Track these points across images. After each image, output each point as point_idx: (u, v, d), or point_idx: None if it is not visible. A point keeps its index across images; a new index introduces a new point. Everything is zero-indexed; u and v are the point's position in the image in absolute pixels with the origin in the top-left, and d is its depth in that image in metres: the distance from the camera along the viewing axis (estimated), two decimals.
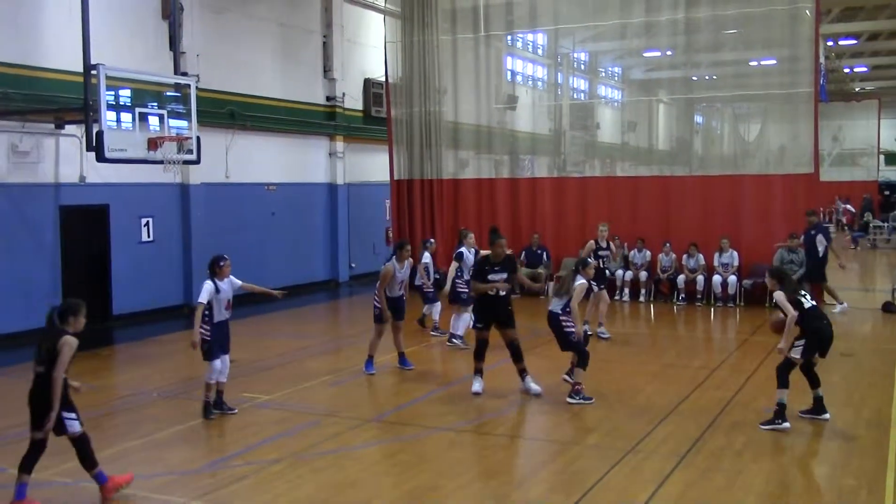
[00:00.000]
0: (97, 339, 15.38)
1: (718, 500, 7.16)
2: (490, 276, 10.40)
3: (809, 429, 9.28)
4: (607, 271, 15.19)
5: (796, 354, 9.16)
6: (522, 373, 10.64)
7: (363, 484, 7.60)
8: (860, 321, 16.45)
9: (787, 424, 8.99)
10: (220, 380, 9.82)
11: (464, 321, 13.52)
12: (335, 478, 7.75)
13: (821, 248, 16.97)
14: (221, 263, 9.73)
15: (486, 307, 10.64)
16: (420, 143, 21.50)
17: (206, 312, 9.55)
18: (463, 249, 13.83)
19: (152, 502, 7.23)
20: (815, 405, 9.41)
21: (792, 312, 9.09)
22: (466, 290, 13.27)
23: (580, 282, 10.48)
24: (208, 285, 9.56)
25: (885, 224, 34.14)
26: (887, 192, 45.96)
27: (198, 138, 14.74)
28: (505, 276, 10.48)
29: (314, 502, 7.20)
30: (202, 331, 9.53)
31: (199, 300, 9.53)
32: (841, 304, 16.78)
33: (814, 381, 9.38)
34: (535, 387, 10.51)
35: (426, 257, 15.07)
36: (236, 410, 9.94)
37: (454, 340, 13.61)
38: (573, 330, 10.33)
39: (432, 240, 16.07)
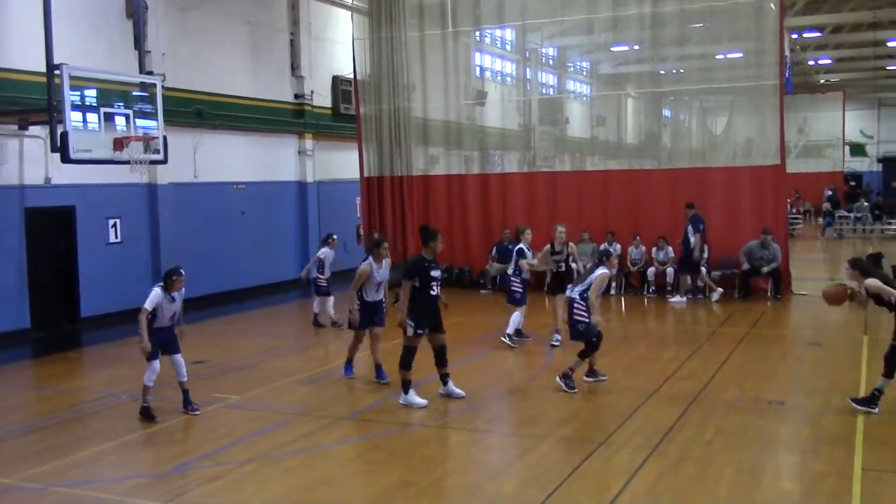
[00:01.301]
0: (65, 341, 15.23)
1: (690, 489, 7.22)
2: (432, 273, 9.80)
3: (778, 417, 9.38)
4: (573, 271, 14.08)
5: None
6: (445, 377, 10.16)
7: (335, 482, 7.58)
8: (827, 310, 16.59)
9: (877, 410, 9.05)
10: (180, 380, 9.88)
11: (514, 321, 13.30)
12: (307, 477, 7.71)
13: (692, 240, 17.31)
14: (175, 278, 9.73)
15: (428, 308, 9.85)
16: (389, 139, 21.47)
17: (149, 318, 9.63)
18: (522, 246, 13.29)
19: None
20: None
21: None
22: (521, 290, 13.21)
23: (601, 271, 10.45)
24: (157, 293, 9.60)
25: (851, 214, 34.58)
26: (852, 183, 46.56)
27: (164, 138, 14.61)
28: (440, 272, 10.01)
29: (286, 502, 7.16)
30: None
31: (145, 305, 9.54)
32: (682, 297, 17.43)
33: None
34: (458, 391, 10.14)
35: (324, 252, 15.39)
36: (200, 412, 9.88)
37: (504, 339, 13.29)
38: (584, 319, 10.31)
39: (335, 236, 15.96)
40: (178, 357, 9.85)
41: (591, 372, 10.85)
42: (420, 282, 9.75)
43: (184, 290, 9.89)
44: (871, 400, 9.16)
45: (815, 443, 8.53)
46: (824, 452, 8.13)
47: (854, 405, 9.21)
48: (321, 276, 15.39)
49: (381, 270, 11.00)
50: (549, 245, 13.22)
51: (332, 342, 14.61)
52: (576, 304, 10.37)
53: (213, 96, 19.17)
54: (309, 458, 8.26)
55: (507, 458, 8.44)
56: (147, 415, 9.65)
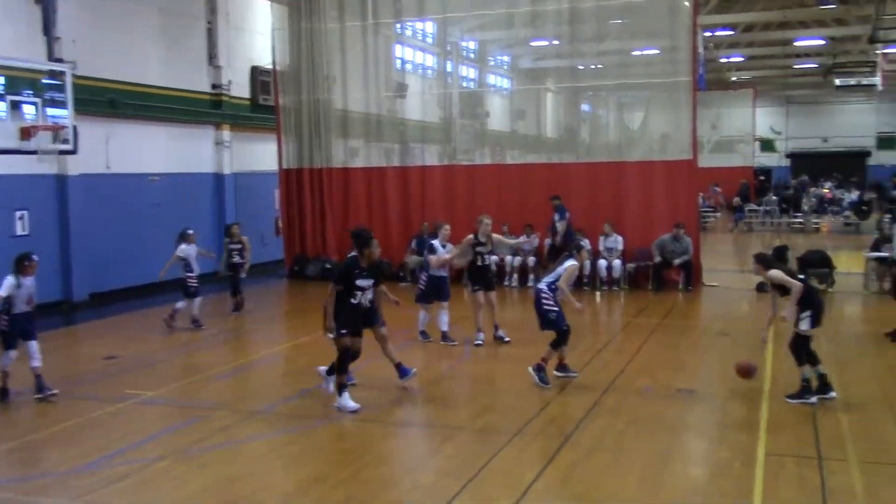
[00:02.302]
0: None
1: (602, 477, 7.39)
2: (358, 282, 9.37)
3: (688, 405, 9.66)
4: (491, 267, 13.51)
5: (805, 327, 9.38)
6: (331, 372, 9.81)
7: (250, 478, 7.50)
8: (737, 301, 17.20)
9: (814, 399, 9.29)
10: (33, 364, 10.11)
11: (421, 321, 13.00)
12: (222, 473, 7.62)
13: (558, 227, 18.10)
14: (27, 263, 10.15)
15: (352, 313, 9.44)
16: (309, 131, 21.32)
17: (5, 305, 10.02)
18: (436, 242, 12.76)
19: None
20: (820, 383, 9.47)
21: (797, 284, 9.36)
22: (424, 286, 12.72)
23: (570, 262, 10.51)
24: (9, 280, 10.00)
25: (760, 208, 35.70)
26: (762, 178, 48.09)
27: (75, 127, 14.19)
28: (372, 282, 9.57)
29: (200, 499, 7.07)
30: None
31: (0, 293, 9.95)
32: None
33: (813, 359, 9.53)
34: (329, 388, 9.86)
35: (183, 249, 14.39)
36: (57, 392, 10.14)
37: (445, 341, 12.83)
38: (553, 309, 10.35)
39: (191, 230, 14.82)
40: (34, 343, 10.19)
41: (562, 367, 10.73)
42: (345, 288, 9.33)
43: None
44: (804, 392, 9.40)
45: (722, 429, 8.83)
46: (730, 439, 8.43)
47: (791, 401, 9.37)
48: (191, 276, 14.42)
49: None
50: (472, 235, 12.82)
51: (248, 336, 14.45)
52: (543, 294, 10.43)
53: (127, 85, 18.69)
54: (224, 453, 8.16)
55: (423, 450, 8.50)
56: (3, 395, 10.08)
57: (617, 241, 18.34)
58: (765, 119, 53.37)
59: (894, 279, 15.65)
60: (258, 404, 9.88)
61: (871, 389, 10.18)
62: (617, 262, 18.28)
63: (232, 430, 8.87)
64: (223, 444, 8.43)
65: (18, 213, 16.38)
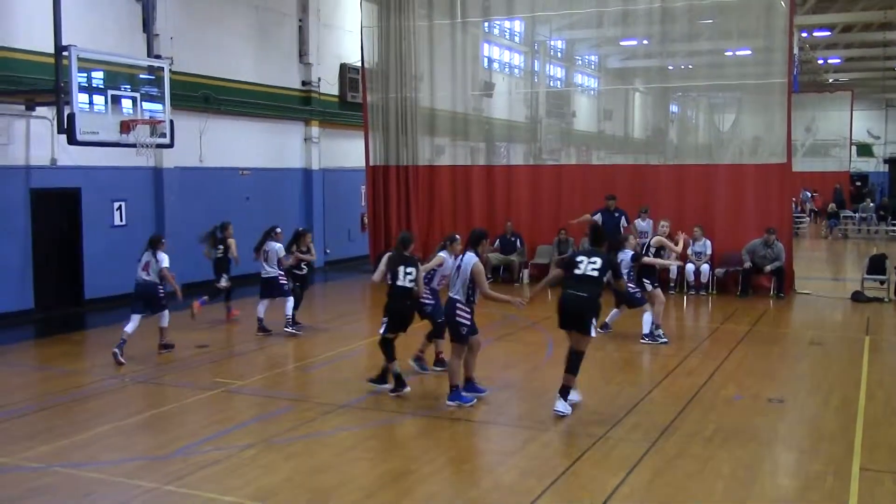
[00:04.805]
0: (69, 323, 15.28)
1: (687, 485, 7.24)
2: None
3: (778, 415, 9.39)
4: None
5: (381, 330, 9.95)
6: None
7: (335, 469, 7.60)
8: (830, 310, 16.66)
9: (389, 387, 9.96)
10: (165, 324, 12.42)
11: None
12: (307, 463, 7.74)
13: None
14: (164, 240, 12.37)
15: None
16: (396, 129, 21.48)
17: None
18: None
19: (123, 488, 7.18)
20: (381, 375, 10.16)
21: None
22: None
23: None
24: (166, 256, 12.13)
25: (856, 214, 34.52)
26: (858, 183, 46.50)
27: (171, 122, 14.62)
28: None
29: (286, 488, 7.18)
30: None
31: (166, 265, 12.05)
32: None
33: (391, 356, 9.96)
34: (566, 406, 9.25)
35: (274, 245, 13.92)
36: (174, 345, 12.30)
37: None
38: (430, 303, 10.67)
39: (279, 228, 14.27)
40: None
41: (440, 361, 11.03)
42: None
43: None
44: (383, 379, 10.04)
45: (814, 441, 8.55)
46: (823, 451, 8.15)
47: (373, 383, 10.12)
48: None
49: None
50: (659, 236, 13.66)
51: (334, 329, 14.63)
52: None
53: (221, 81, 19.16)
54: (309, 444, 8.29)
55: (505, 450, 8.44)
56: (116, 358, 11.55)
57: (706, 246, 17.97)
58: (862, 122, 51.44)
59: None
60: (343, 397, 9.99)
61: None
62: (705, 267, 17.90)
63: (317, 422, 9.00)
64: (309, 435, 8.57)
65: (116, 204, 16.95)
